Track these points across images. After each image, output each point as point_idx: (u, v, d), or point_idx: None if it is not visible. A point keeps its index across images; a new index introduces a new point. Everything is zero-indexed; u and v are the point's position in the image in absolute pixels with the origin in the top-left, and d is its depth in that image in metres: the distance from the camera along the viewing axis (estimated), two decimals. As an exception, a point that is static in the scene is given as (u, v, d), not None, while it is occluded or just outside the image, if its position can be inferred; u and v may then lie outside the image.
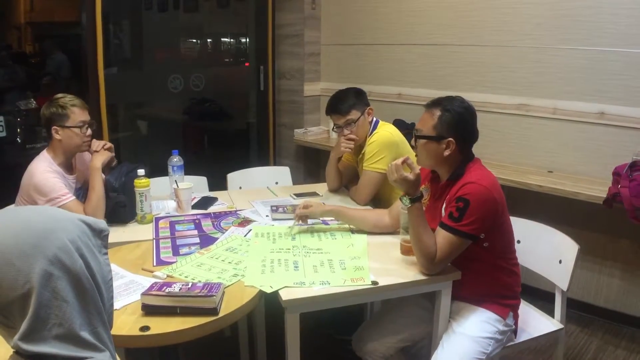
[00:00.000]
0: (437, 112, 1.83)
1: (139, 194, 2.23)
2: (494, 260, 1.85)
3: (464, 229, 1.72)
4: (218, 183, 3.02)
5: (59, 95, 2.21)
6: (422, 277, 1.76)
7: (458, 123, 1.81)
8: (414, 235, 1.75)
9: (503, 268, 1.87)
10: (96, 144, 2.24)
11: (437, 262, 1.74)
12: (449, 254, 1.74)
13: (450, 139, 1.81)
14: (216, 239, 2.10)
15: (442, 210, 1.86)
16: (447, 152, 1.82)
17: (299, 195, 2.70)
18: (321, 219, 2.30)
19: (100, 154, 2.23)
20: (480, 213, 1.72)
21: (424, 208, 1.94)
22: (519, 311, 1.95)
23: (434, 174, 1.97)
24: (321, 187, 2.83)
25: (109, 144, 2.28)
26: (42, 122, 2.20)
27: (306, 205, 2.16)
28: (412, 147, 1.96)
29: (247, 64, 4.55)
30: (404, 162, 1.75)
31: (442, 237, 1.74)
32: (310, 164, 4.44)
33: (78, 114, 2.18)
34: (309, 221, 2.22)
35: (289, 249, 1.99)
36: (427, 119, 1.86)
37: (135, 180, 2.25)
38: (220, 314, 1.51)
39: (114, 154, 2.33)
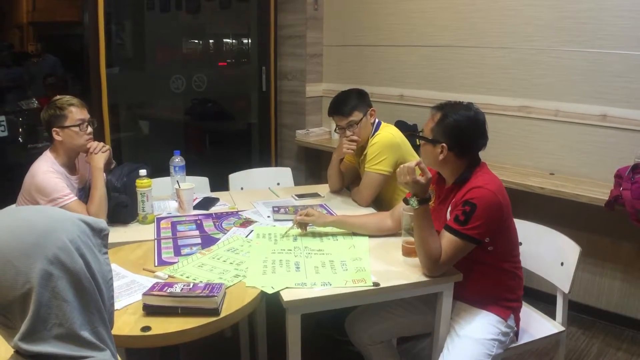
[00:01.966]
0: (438, 116, 1.86)
1: (141, 194, 2.23)
2: (498, 263, 1.85)
3: (469, 233, 1.72)
4: (220, 183, 3.02)
5: (57, 97, 2.21)
6: (424, 279, 1.76)
7: (453, 130, 1.82)
8: (419, 237, 1.75)
9: (506, 271, 1.87)
10: (94, 145, 2.24)
11: (441, 265, 1.73)
12: (452, 257, 1.74)
13: (443, 144, 1.82)
14: (218, 239, 2.10)
15: (447, 213, 1.85)
16: (441, 157, 1.84)
17: (300, 196, 2.70)
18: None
19: (100, 155, 2.23)
20: (486, 218, 1.72)
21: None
22: (521, 314, 1.94)
23: (439, 177, 1.98)
24: (323, 188, 2.83)
25: (106, 147, 2.28)
26: (43, 126, 2.20)
27: (309, 213, 2.14)
28: (416, 146, 1.98)
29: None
30: (417, 165, 1.75)
31: (447, 240, 1.74)
32: (311, 165, 4.44)
33: (76, 112, 2.17)
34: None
35: (290, 249, 1.98)
36: (429, 121, 1.89)
37: (137, 181, 2.25)
38: (222, 315, 1.51)
39: (111, 156, 2.33)
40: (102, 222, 0.94)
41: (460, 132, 1.83)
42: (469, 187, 1.78)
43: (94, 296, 0.87)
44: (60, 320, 0.82)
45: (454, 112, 1.84)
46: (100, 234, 0.93)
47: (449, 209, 1.85)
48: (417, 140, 1.94)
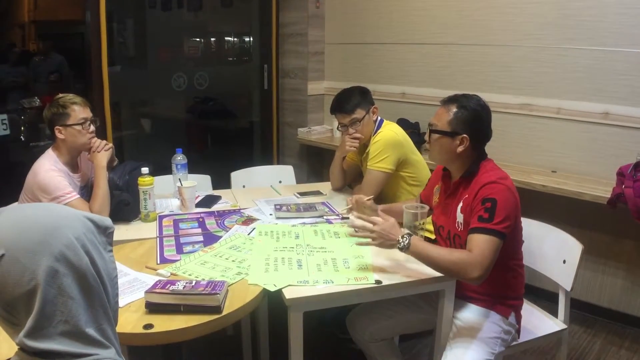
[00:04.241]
0: (453, 108, 1.83)
1: (143, 192, 2.24)
2: (504, 261, 1.82)
3: (497, 228, 1.68)
4: (222, 181, 3.02)
5: (60, 95, 2.21)
6: (426, 277, 1.76)
7: (473, 120, 1.81)
8: (435, 266, 1.70)
9: (510, 269, 1.86)
10: (97, 143, 2.25)
11: (477, 264, 1.64)
12: (487, 255, 1.65)
13: (464, 135, 1.80)
14: (220, 237, 2.10)
15: (458, 209, 1.84)
16: (460, 149, 1.81)
17: (302, 194, 2.70)
18: (325, 217, 2.31)
19: (103, 153, 2.23)
20: (507, 211, 1.70)
21: (433, 205, 1.94)
22: (522, 311, 1.94)
23: (445, 172, 1.97)
24: (325, 186, 2.83)
25: (109, 145, 2.28)
26: (46, 124, 2.20)
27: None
28: (425, 142, 1.95)
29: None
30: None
31: (479, 241, 1.68)
32: (313, 163, 4.44)
33: (79, 111, 2.18)
34: (313, 220, 2.23)
35: (292, 247, 1.99)
36: (443, 114, 1.85)
37: (139, 179, 2.25)
38: (224, 312, 1.51)
39: (114, 154, 2.33)
40: (107, 220, 0.94)
41: (480, 122, 1.82)
42: (480, 182, 1.76)
43: (99, 294, 0.87)
44: (65, 317, 0.82)
45: (469, 102, 1.82)
46: (106, 232, 0.93)
47: (460, 204, 1.84)
48: (429, 135, 1.88)
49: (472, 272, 1.64)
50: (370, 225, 1.76)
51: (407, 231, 1.78)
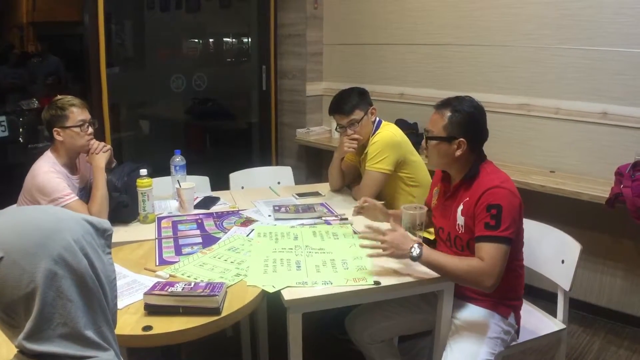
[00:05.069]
0: (447, 113, 1.82)
1: (142, 193, 2.24)
2: (507, 262, 1.83)
3: (505, 234, 1.68)
4: (220, 183, 3.02)
5: (58, 97, 2.21)
6: (425, 277, 1.76)
7: (468, 123, 1.80)
8: (449, 274, 1.71)
9: (511, 270, 1.85)
10: (95, 145, 2.24)
11: (490, 274, 1.67)
12: (497, 263, 1.67)
13: (461, 139, 1.80)
14: (218, 238, 2.10)
15: (458, 211, 1.84)
16: (458, 153, 1.81)
17: (301, 195, 2.70)
18: (324, 218, 2.30)
19: (101, 155, 2.23)
20: (513, 215, 1.70)
21: (432, 206, 1.94)
22: (521, 311, 1.94)
23: (444, 174, 1.97)
24: (323, 187, 2.83)
25: (107, 146, 2.28)
26: (44, 126, 2.20)
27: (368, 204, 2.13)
28: (423, 148, 1.94)
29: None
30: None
31: (488, 249, 1.69)
32: (312, 164, 4.44)
33: (77, 113, 2.18)
34: (312, 221, 2.23)
35: (291, 248, 1.99)
36: (438, 119, 1.84)
37: (138, 180, 2.25)
38: (223, 314, 1.51)
39: (112, 155, 2.33)
40: (105, 222, 0.94)
41: (476, 123, 1.82)
42: (482, 186, 1.76)
43: (97, 296, 0.87)
44: (64, 320, 0.82)
45: (462, 105, 1.82)
46: (104, 234, 0.93)
47: (461, 207, 1.84)
48: (426, 142, 1.88)
49: (486, 281, 1.67)
50: (380, 236, 1.76)
51: (417, 239, 1.78)
